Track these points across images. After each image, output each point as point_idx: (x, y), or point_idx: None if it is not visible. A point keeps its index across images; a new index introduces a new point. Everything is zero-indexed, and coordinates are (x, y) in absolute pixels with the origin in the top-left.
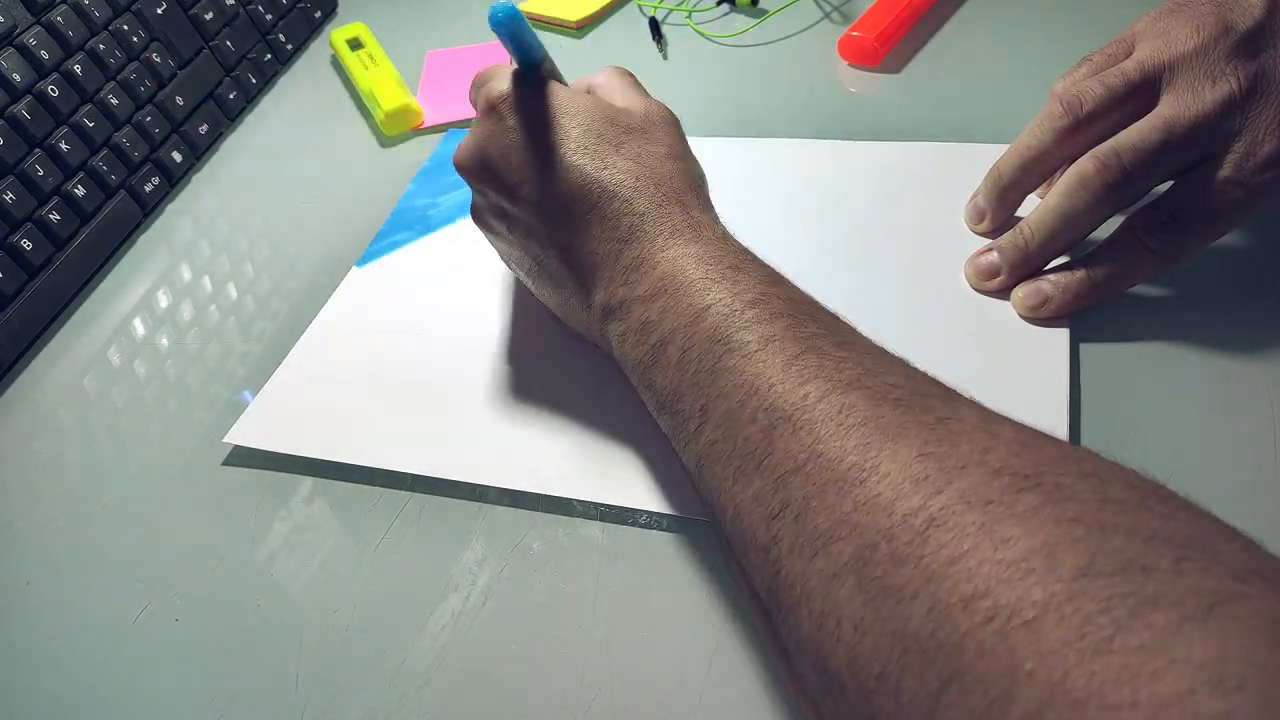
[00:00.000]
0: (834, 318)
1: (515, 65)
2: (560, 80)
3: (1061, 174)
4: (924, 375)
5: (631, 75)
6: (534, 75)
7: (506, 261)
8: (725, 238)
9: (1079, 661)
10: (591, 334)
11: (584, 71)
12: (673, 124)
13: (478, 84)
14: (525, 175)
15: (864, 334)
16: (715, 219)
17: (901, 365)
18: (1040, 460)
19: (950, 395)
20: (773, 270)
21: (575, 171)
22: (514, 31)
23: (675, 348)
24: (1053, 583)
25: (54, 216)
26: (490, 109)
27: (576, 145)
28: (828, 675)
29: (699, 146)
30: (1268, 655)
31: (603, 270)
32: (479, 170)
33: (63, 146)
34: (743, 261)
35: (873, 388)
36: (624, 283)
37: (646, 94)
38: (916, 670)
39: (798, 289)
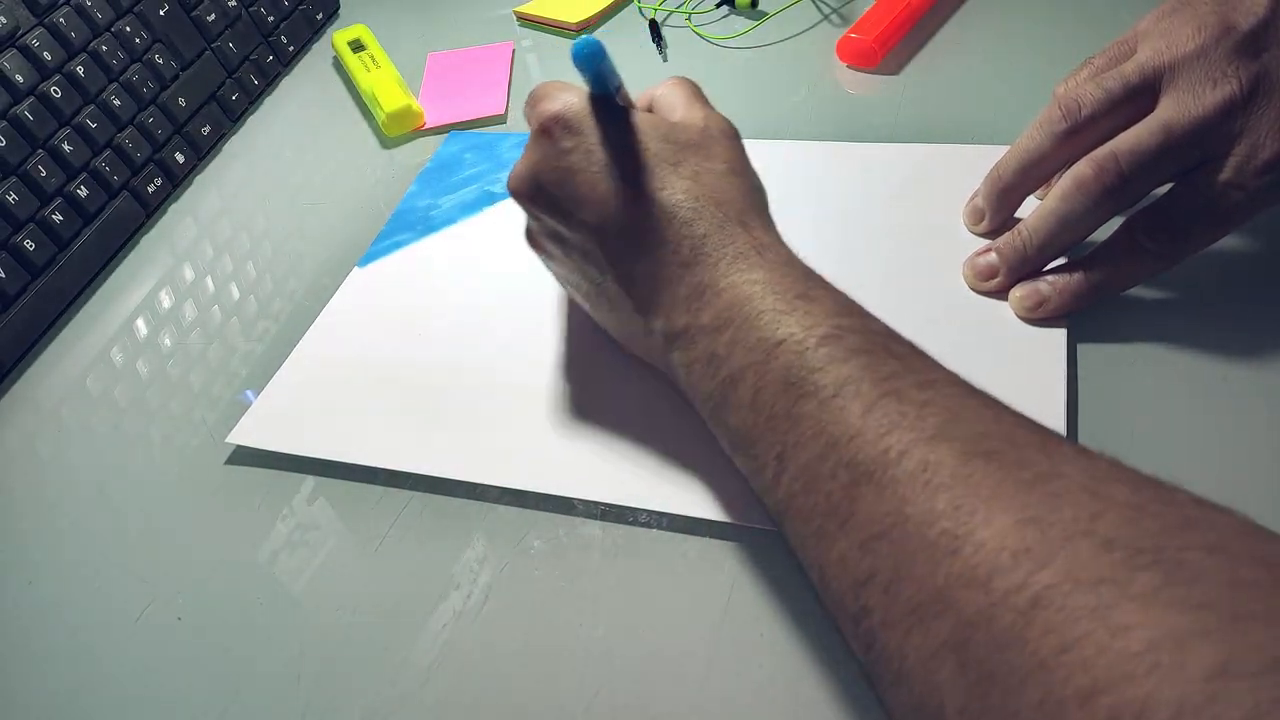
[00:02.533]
0: (912, 349)
1: (587, 90)
2: (630, 104)
3: (1061, 176)
4: (1015, 416)
5: (692, 85)
6: (606, 103)
7: (563, 285)
8: (791, 261)
9: None
10: (653, 359)
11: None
12: (732, 136)
13: (530, 102)
14: (580, 198)
15: (945, 366)
16: (778, 239)
17: (990, 406)
18: (1159, 530)
19: (1048, 443)
20: (844, 297)
21: (631, 193)
22: (596, 68)
23: (747, 387)
24: (1183, 681)
25: (57, 217)
26: (543, 131)
27: (632, 166)
28: None
29: None
30: None
31: (663, 296)
32: (533, 194)
33: (65, 147)
34: (812, 289)
35: (959, 439)
36: (686, 310)
37: (707, 105)
38: None
39: (874, 318)
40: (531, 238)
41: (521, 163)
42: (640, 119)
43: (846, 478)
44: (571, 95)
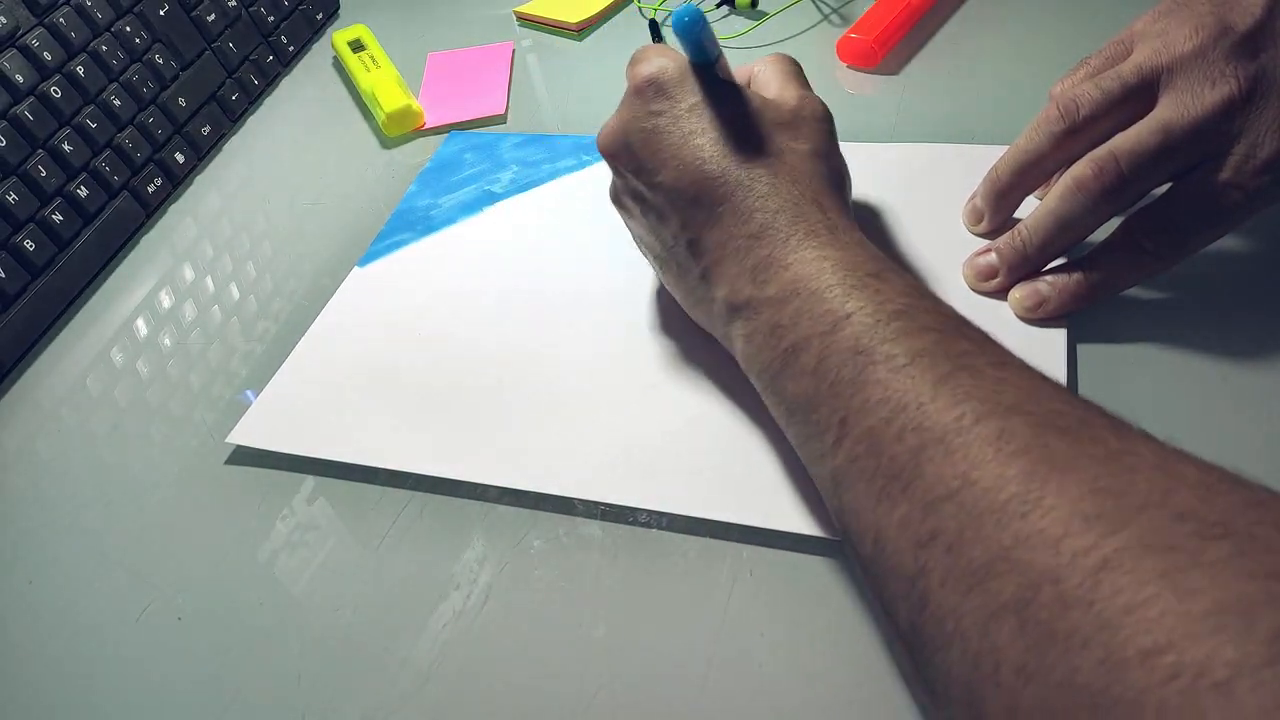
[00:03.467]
0: (984, 335)
1: (686, 57)
2: (729, 77)
3: (1060, 176)
4: (1088, 402)
5: (794, 64)
6: (703, 71)
7: (638, 244)
8: (863, 243)
9: None
10: (714, 328)
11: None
12: (823, 120)
13: (631, 62)
14: (662, 160)
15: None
16: (852, 223)
17: (1063, 391)
18: (1229, 506)
19: (1120, 426)
20: (915, 280)
21: (711, 162)
22: (696, 37)
23: (810, 355)
24: (1248, 643)
25: (57, 217)
26: (637, 91)
27: (717, 136)
28: None
29: None
30: None
31: (730, 265)
32: (619, 151)
33: (65, 147)
34: (883, 269)
35: (1034, 413)
36: (751, 281)
37: (805, 85)
38: None
39: (944, 302)
40: (614, 194)
41: (613, 120)
42: (734, 92)
43: (915, 441)
44: (668, 60)
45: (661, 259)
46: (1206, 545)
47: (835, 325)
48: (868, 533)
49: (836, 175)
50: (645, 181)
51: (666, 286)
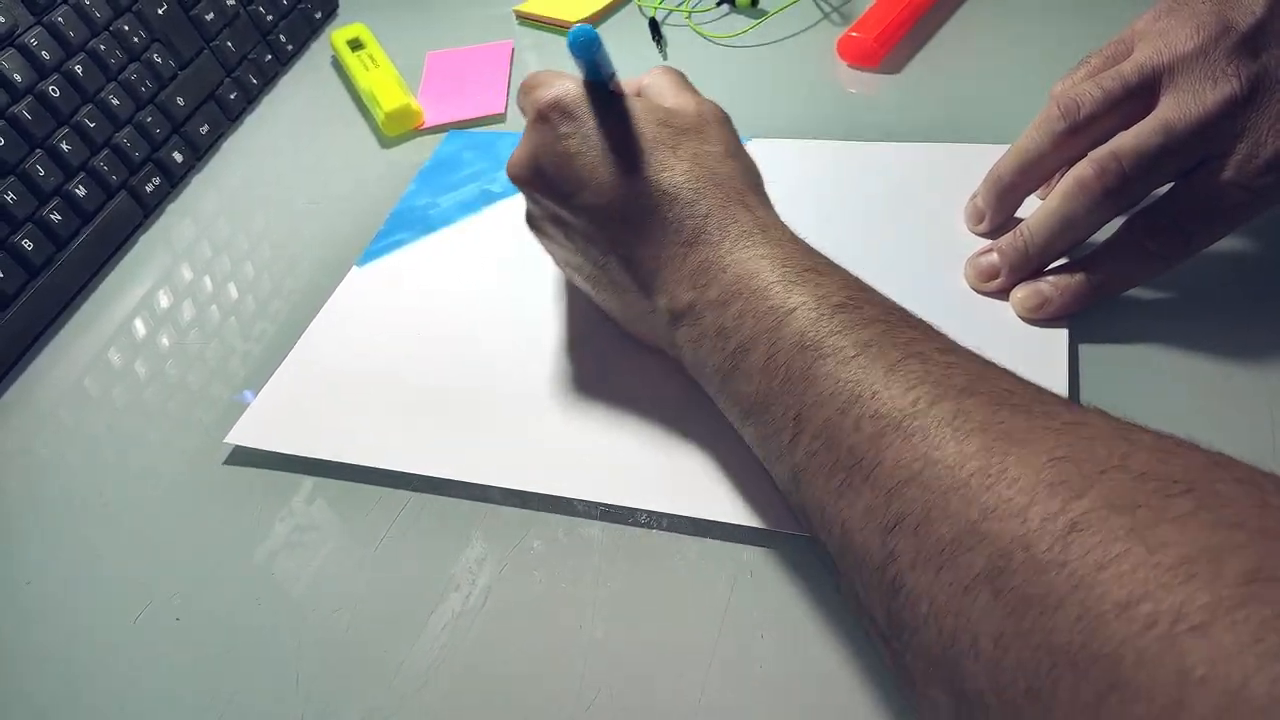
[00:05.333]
0: (927, 324)
1: (582, 77)
2: (623, 92)
3: (1062, 176)
4: (1037, 385)
5: (679, 74)
6: (601, 89)
7: (563, 268)
8: (794, 239)
9: (1260, 667)
10: (657, 340)
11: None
12: (725, 122)
13: (525, 90)
14: (580, 181)
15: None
16: (779, 219)
17: (1012, 374)
18: (1188, 466)
19: (1071, 403)
20: (852, 274)
21: (632, 176)
22: (592, 56)
23: (758, 353)
24: (1220, 587)
25: (55, 216)
26: (541, 117)
27: (632, 150)
28: (965, 697)
29: None
30: None
31: (666, 274)
32: (533, 178)
33: (64, 147)
34: (820, 264)
35: (987, 393)
36: (691, 286)
37: (696, 92)
38: (1070, 683)
39: (882, 294)
40: (532, 222)
41: (520, 148)
42: (636, 104)
43: (871, 429)
44: (568, 82)
45: (594, 278)
46: (1170, 502)
47: (780, 322)
48: (833, 527)
49: (752, 173)
50: (565, 205)
51: (600, 305)
